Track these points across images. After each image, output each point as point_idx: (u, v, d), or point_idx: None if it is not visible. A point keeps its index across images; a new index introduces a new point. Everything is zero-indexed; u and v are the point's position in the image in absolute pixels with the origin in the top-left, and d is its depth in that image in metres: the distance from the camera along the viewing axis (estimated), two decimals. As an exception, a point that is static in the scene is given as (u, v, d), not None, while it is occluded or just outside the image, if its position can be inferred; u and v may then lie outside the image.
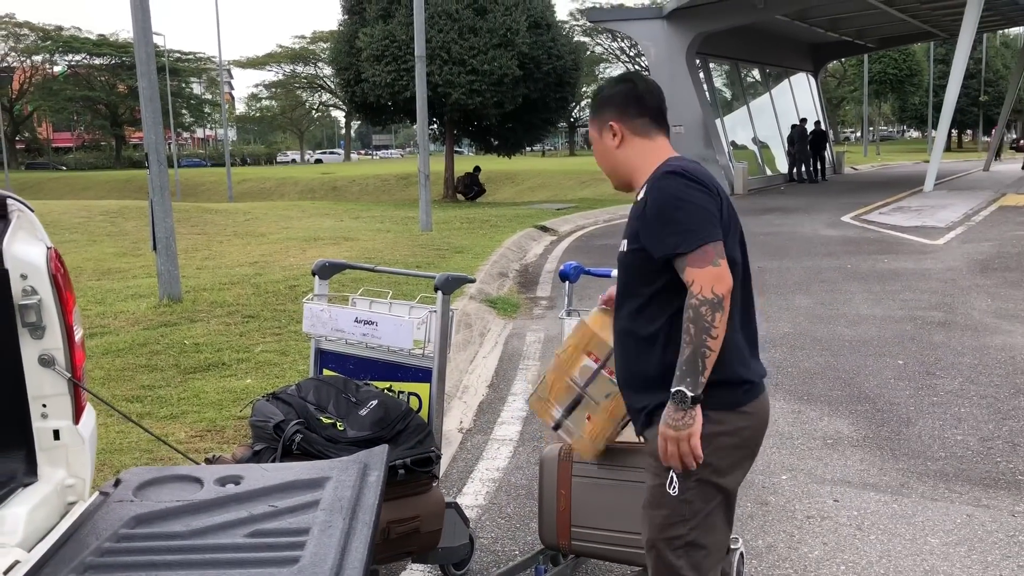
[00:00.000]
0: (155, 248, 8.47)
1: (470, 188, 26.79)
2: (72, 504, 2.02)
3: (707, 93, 24.79)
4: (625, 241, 2.25)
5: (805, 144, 27.09)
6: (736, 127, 27.10)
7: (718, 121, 24.94)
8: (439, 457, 3.19)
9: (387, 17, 24.11)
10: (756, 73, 30.07)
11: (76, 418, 2.09)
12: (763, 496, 4.15)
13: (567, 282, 3.57)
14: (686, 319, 2.04)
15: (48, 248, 2.03)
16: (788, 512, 3.97)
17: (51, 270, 1.99)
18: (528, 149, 34.25)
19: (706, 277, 2.03)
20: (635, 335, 2.21)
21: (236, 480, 1.89)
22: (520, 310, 9.07)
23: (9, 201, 1.98)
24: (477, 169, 27.49)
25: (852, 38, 30.94)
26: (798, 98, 30.85)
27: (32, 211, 2.04)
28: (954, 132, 61.70)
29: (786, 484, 4.29)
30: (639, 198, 2.22)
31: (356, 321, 3.31)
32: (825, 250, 12.43)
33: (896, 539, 3.69)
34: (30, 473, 2.02)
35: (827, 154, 29.12)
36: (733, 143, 26.08)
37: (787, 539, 3.71)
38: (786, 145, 27.71)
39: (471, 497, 4.25)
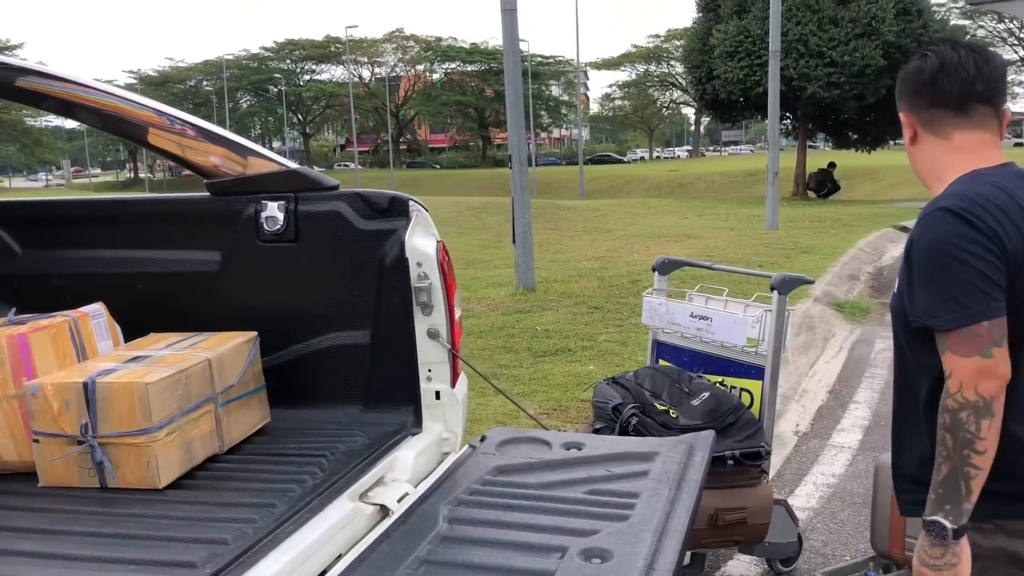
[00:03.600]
0: (514, 241, 9.27)
1: (823, 185, 25.66)
2: (447, 454, 2.44)
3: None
4: (897, 281, 1.76)
5: None
6: None
7: None
8: (768, 453, 3.27)
9: (742, 12, 23.85)
10: None
11: (453, 383, 2.52)
12: None
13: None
14: (941, 425, 1.58)
15: (438, 241, 2.47)
16: None
17: (439, 260, 2.43)
18: (893, 143, 31.99)
19: (969, 371, 1.55)
20: (907, 400, 1.76)
21: (579, 446, 2.18)
22: (870, 315, 8.66)
23: (411, 203, 2.45)
24: (832, 165, 26.25)
25: None
26: None
27: (427, 210, 2.49)
28: None
29: None
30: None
31: (691, 316, 3.49)
32: None
33: None
34: (417, 425, 2.48)
35: None
36: None
37: None
38: None
39: (803, 499, 4.24)
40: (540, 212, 18.02)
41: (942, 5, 46.40)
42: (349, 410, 2.54)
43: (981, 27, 57.10)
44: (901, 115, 1.80)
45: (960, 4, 50.41)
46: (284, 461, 2.23)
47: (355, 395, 2.54)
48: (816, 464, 4.71)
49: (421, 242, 2.43)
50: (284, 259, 2.52)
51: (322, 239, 2.50)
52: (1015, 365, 1.60)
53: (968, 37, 52.82)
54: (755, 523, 3.21)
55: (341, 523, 1.94)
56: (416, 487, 2.17)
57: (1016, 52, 58.16)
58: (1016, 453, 1.62)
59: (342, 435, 2.37)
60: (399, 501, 2.07)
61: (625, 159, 75.69)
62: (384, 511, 2.06)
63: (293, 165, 2.56)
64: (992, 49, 1.85)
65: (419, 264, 2.40)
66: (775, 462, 4.56)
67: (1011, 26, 53.44)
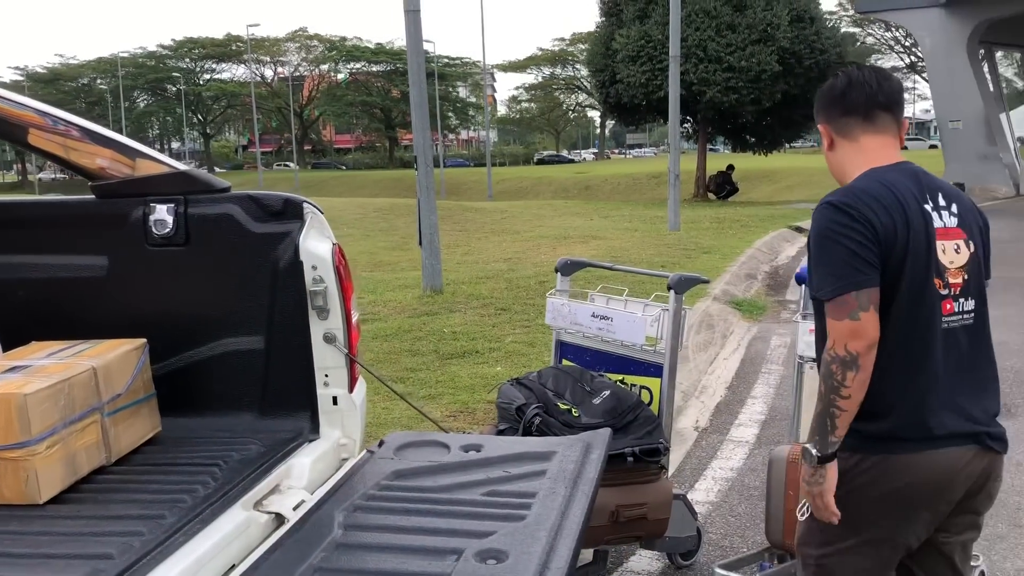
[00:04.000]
0: (421, 243, 9.22)
1: (722, 187, 26.34)
2: (345, 459, 2.41)
3: (991, 85, 22.71)
4: None
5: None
6: (1026, 122, 24.67)
7: (1003, 116, 22.78)
8: (667, 449, 3.34)
9: (644, 18, 24.26)
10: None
11: (351, 388, 2.49)
12: (1018, 518, 3.92)
13: (803, 285, 3.58)
14: (820, 374, 1.95)
15: (333, 244, 2.43)
16: (1044, 537, 3.73)
17: (335, 263, 2.40)
18: (788, 146, 33.07)
19: (841, 331, 1.89)
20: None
21: (477, 448, 2.19)
22: (767, 313, 8.93)
23: (305, 205, 2.41)
24: (730, 167, 26.96)
25: None
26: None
27: (322, 212, 2.45)
28: None
29: (1045, 508, 4.01)
30: None
31: (593, 316, 3.54)
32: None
33: None
34: (314, 431, 2.44)
35: None
36: (1022, 140, 23.75)
37: (1039, 565, 3.50)
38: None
39: (702, 494, 4.34)
40: (448, 214, 17.97)
41: (833, 13, 48.36)
42: (243, 417, 2.48)
43: (870, 35, 59.61)
44: (820, 127, 2.15)
45: (850, 13, 52.52)
46: (175, 471, 2.16)
47: (250, 402, 2.49)
48: (715, 459, 4.83)
49: (316, 245, 2.39)
50: (174, 263, 2.45)
51: (213, 242, 2.43)
52: (887, 330, 1.92)
53: (858, 44, 55.12)
54: (655, 518, 3.27)
55: (234, 533, 1.89)
56: (313, 494, 2.14)
57: (902, 59, 60.91)
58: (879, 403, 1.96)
59: (236, 443, 2.31)
60: (295, 509, 2.04)
61: (575, 159, 77.57)
62: (280, 519, 2.02)
63: (183, 167, 2.49)
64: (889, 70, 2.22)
65: (314, 267, 2.37)
66: (676, 458, 4.66)
67: (897, 35, 55.94)
